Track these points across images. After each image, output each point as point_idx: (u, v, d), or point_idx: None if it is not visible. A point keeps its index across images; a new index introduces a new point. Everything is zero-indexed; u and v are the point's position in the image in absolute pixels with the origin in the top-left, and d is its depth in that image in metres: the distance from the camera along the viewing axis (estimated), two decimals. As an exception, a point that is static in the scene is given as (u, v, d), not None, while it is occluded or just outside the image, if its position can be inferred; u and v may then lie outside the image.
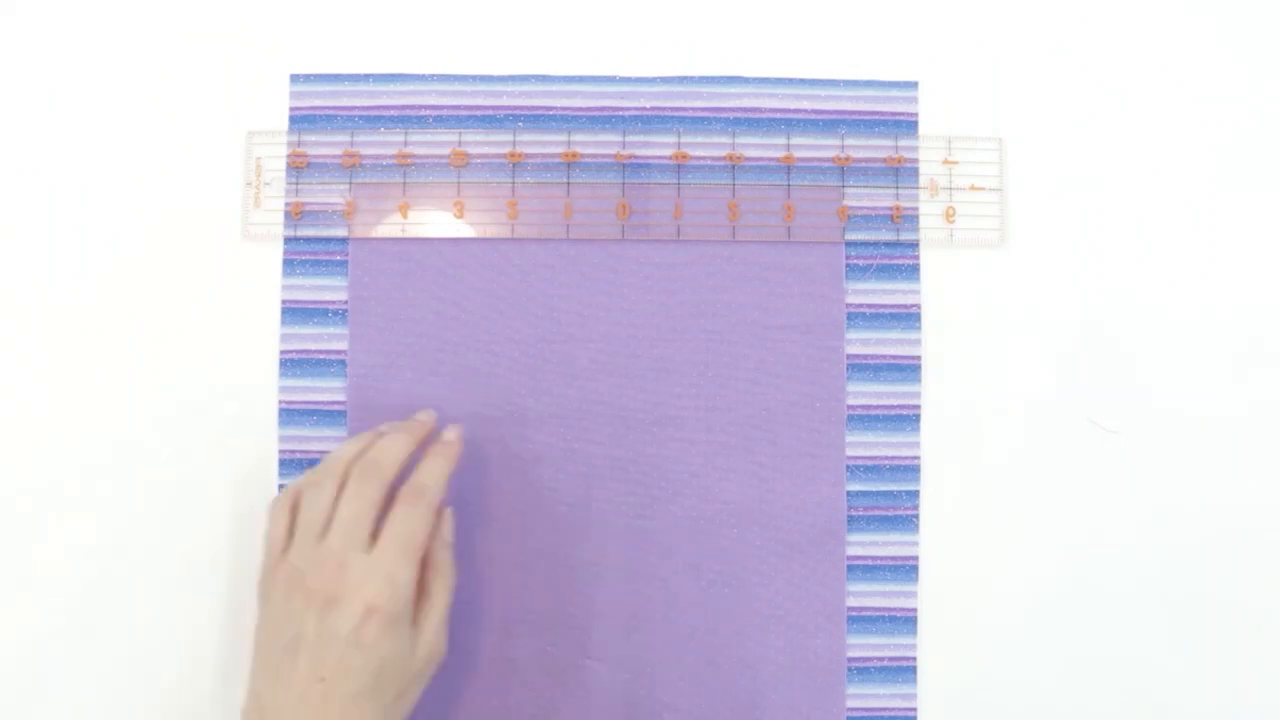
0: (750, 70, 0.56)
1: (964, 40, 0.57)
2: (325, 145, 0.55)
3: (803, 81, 0.56)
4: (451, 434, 0.52)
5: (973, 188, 0.56)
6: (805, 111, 0.56)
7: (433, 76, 0.56)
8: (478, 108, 0.56)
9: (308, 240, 0.55)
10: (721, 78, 0.56)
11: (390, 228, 0.55)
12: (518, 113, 0.56)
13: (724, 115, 0.56)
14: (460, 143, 0.55)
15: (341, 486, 0.48)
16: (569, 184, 0.55)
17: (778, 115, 0.56)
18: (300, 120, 0.56)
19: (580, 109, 0.56)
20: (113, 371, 0.55)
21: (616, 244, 0.55)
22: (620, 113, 0.56)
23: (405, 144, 0.55)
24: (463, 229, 0.55)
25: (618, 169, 0.55)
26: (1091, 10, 0.57)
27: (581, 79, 0.56)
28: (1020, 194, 0.56)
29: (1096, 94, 0.57)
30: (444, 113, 0.56)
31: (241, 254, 0.55)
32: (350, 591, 0.45)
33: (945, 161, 0.56)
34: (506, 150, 0.55)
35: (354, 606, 0.45)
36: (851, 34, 0.57)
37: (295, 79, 0.56)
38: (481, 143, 0.56)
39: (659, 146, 0.56)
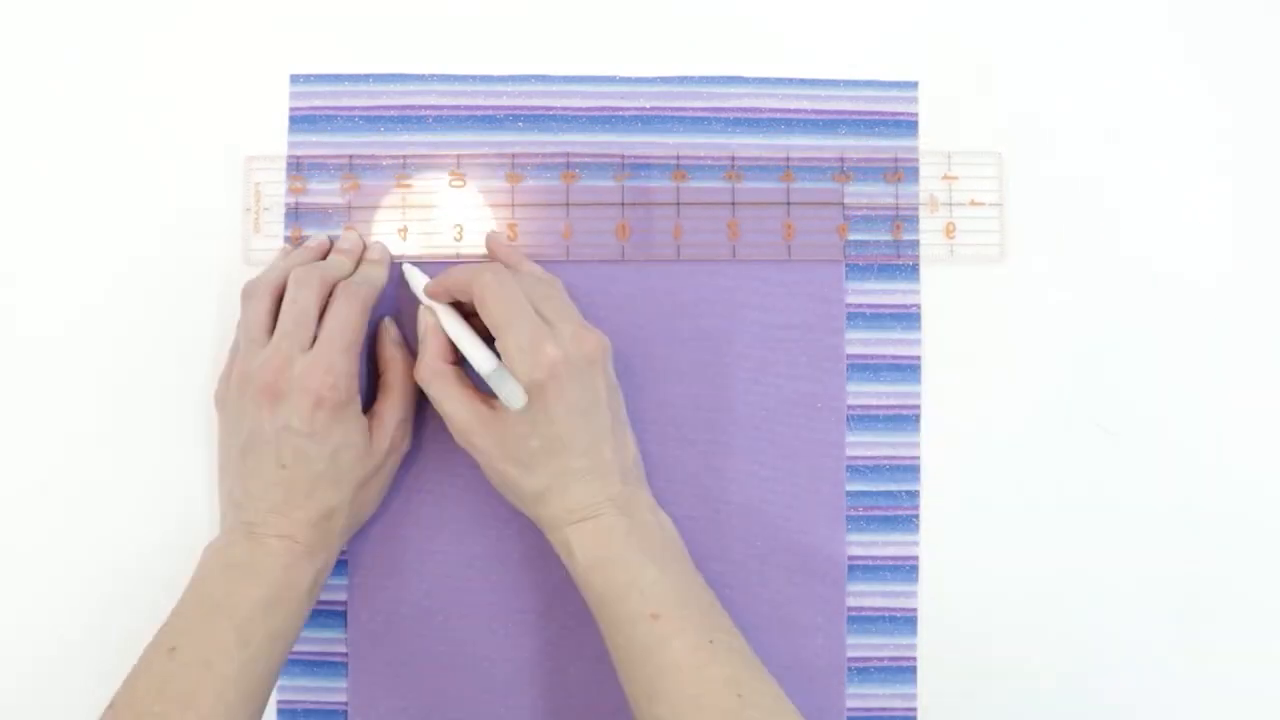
0: (750, 70, 0.56)
1: (964, 52, 0.57)
2: (324, 174, 0.55)
3: (803, 81, 0.56)
4: (377, 252, 0.54)
5: (973, 203, 0.56)
6: (805, 112, 0.56)
7: (433, 76, 0.56)
8: (478, 108, 0.56)
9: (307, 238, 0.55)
10: (721, 78, 0.56)
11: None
12: (518, 113, 0.56)
13: (724, 115, 0.56)
14: (459, 165, 0.55)
15: (275, 297, 0.51)
16: (569, 205, 0.55)
17: (777, 115, 0.56)
18: (300, 120, 0.56)
19: (579, 109, 0.56)
20: (112, 391, 0.55)
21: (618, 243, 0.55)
22: (620, 113, 0.56)
23: (404, 166, 0.55)
24: (462, 251, 0.55)
25: (617, 190, 0.55)
26: (1092, 26, 0.57)
27: (581, 79, 0.56)
28: (1020, 209, 0.56)
29: (1096, 108, 0.57)
30: (444, 112, 0.56)
31: (245, 276, 0.55)
32: (295, 386, 0.48)
33: (945, 177, 0.56)
34: (505, 172, 0.55)
35: (300, 399, 0.48)
36: (851, 34, 0.57)
37: (295, 79, 0.56)
38: (479, 161, 0.55)
39: (659, 147, 0.56)
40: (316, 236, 0.55)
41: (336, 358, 0.49)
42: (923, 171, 0.56)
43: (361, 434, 0.50)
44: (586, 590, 0.49)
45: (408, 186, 0.55)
